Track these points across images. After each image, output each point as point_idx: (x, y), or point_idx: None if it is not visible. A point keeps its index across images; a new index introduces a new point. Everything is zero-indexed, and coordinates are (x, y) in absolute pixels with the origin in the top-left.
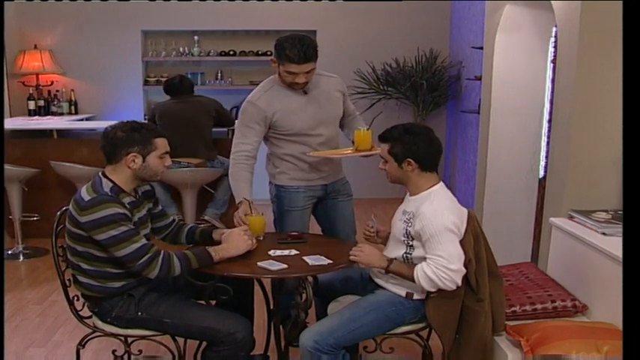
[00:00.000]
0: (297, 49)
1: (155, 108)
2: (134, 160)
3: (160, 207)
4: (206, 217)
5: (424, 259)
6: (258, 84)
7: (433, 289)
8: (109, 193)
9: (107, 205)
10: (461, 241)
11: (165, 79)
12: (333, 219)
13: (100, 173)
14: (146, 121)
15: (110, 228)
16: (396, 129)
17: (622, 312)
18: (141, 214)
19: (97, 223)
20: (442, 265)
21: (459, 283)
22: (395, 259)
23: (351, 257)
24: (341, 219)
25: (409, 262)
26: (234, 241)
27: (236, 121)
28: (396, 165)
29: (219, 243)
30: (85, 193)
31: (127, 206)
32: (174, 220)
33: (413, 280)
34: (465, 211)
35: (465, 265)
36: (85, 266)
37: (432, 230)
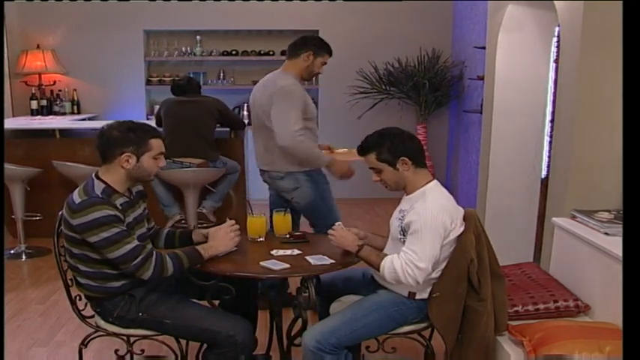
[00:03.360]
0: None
1: (161, 105)
2: (128, 160)
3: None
4: (204, 211)
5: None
6: None
7: (393, 282)
8: (100, 196)
9: (98, 208)
10: (463, 241)
11: (167, 78)
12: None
13: (93, 175)
14: (143, 122)
15: (101, 230)
16: (371, 137)
17: (622, 312)
18: (136, 213)
19: (89, 226)
20: (411, 262)
21: (420, 282)
22: (366, 245)
23: (329, 238)
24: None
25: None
26: (222, 239)
27: (283, 104)
28: (392, 169)
29: (199, 244)
30: (76, 195)
31: (120, 207)
32: (153, 225)
33: (378, 269)
34: (461, 210)
35: (467, 266)
36: (83, 268)
37: (418, 226)
